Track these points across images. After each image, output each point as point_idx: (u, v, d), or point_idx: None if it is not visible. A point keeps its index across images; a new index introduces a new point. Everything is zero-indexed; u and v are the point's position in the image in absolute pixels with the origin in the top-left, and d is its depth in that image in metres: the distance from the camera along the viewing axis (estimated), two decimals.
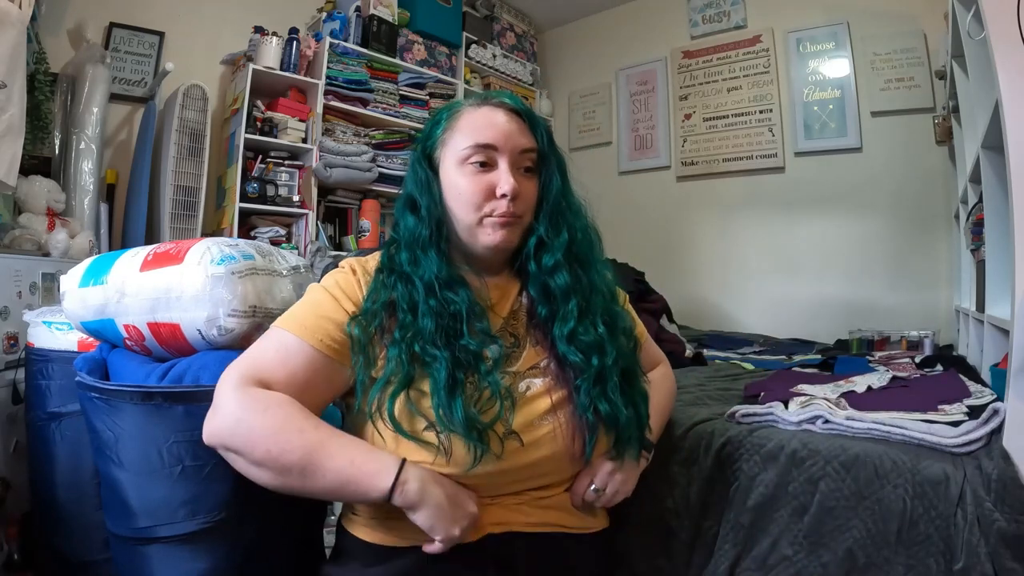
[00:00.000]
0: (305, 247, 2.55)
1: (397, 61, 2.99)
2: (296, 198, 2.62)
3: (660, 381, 0.92)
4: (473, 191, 0.72)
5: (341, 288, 0.72)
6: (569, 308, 0.74)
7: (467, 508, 0.65)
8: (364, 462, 0.63)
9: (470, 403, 0.66)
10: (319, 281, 0.78)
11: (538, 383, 0.73)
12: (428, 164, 0.77)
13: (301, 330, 0.68)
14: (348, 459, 0.63)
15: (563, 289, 0.75)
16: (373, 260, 0.77)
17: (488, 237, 0.73)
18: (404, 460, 0.64)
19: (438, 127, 0.77)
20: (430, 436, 0.66)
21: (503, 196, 0.72)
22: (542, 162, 0.77)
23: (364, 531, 0.73)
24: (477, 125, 0.74)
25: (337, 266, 0.79)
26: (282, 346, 0.68)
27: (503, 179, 0.72)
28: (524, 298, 0.79)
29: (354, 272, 0.75)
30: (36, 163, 1.96)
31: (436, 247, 0.73)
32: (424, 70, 3.10)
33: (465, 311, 0.70)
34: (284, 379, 0.66)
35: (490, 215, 0.73)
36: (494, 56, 3.48)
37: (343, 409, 0.80)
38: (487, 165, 0.73)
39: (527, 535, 0.71)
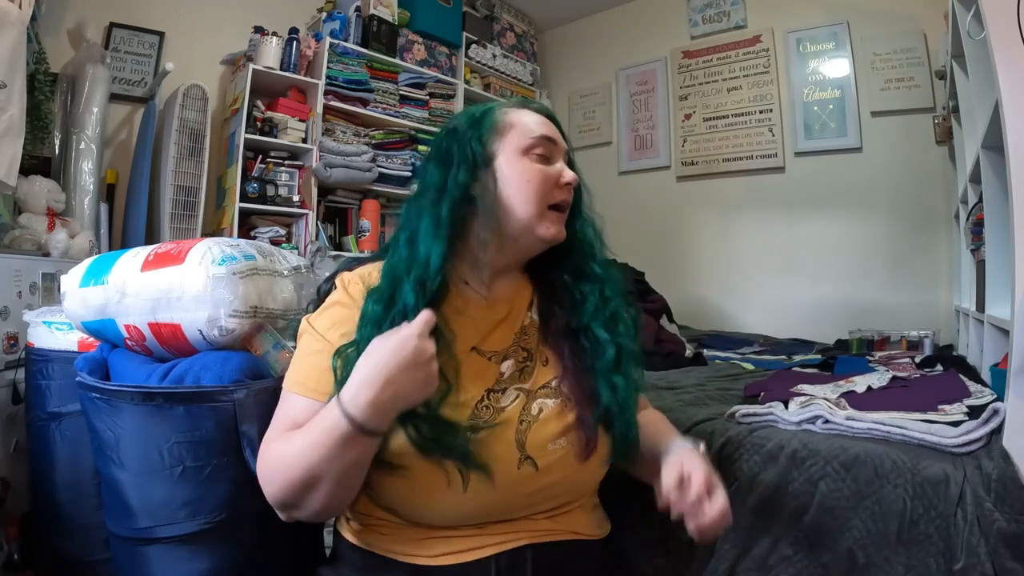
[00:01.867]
0: (305, 247, 2.55)
1: (397, 61, 2.99)
2: (296, 198, 2.62)
3: (655, 416, 0.88)
4: (544, 177, 0.74)
5: (332, 323, 0.70)
6: (608, 295, 0.78)
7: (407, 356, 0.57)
8: (318, 431, 0.59)
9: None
10: (319, 292, 0.77)
11: (550, 404, 0.72)
12: (481, 152, 0.74)
13: (303, 388, 0.67)
14: (309, 442, 0.59)
15: (599, 276, 0.79)
16: (377, 273, 0.73)
17: (547, 230, 0.74)
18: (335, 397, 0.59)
19: (485, 122, 0.76)
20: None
21: (567, 184, 0.75)
22: (572, 166, 0.81)
23: (354, 535, 0.72)
24: (536, 120, 0.77)
25: (334, 284, 0.75)
26: (292, 408, 0.67)
27: (567, 171, 0.76)
28: (534, 313, 0.80)
29: (352, 298, 0.71)
30: (36, 163, 1.96)
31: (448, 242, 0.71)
32: (424, 70, 3.10)
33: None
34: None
35: (553, 205, 0.75)
36: (494, 56, 3.48)
37: None
38: (548, 158, 0.76)
39: (533, 546, 0.69)
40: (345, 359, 0.64)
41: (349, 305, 0.71)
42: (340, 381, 0.62)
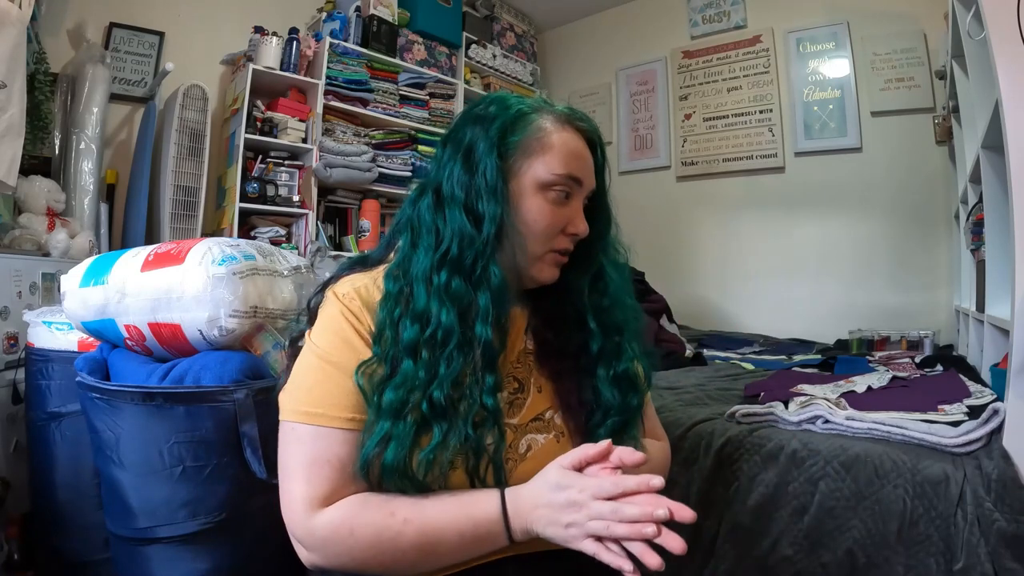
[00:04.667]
0: (305, 247, 2.55)
1: (397, 61, 2.98)
2: (296, 198, 2.61)
3: (657, 450, 0.78)
4: (552, 222, 0.67)
5: (343, 340, 0.64)
6: (624, 347, 0.72)
7: (572, 514, 0.56)
8: (470, 528, 0.58)
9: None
10: (309, 305, 0.70)
11: (540, 440, 0.68)
12: (500, 164, 0.66)
13: (335, 420, 0.61)
14: (457, 532, 0.58)
15: (617, 326, 0.72)
16: (376, 285, 0.67)
17: (543, 273, 0.69)
18: (502, 496, 0.59)
19: (518, 130, 0.67)
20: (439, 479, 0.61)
21: (573, 235, 0.69)
22: (598, 198, 0.74)
23: None
24: (571, 151, 0.68)
25: (325, 295, 0.68)
26: (327, 448, 0.60)
27: (580, 220, 0.69)
28: (529, 340, 0.74)
29: (353, 314, 0.65)
30: (36, 163, 1.96)
31: (495, 260, 0.65)
32: (424, 70, 3.09)
33: (493, 349, 0.64)
34: (341, 478, 0.59)
35: (554, 250, 0.69)
36: (494, 56, 3.48)
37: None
38: (568, 195, 0.68)
39: (516, 558, 0.64)
40: (370, 375, 0.61)
41: (352, 320, 0.65)
42: (368, 398, 0.60)
